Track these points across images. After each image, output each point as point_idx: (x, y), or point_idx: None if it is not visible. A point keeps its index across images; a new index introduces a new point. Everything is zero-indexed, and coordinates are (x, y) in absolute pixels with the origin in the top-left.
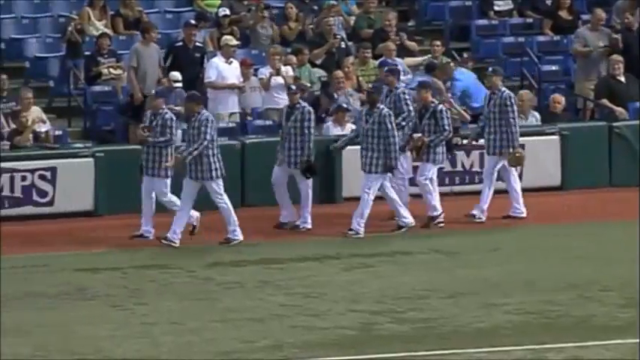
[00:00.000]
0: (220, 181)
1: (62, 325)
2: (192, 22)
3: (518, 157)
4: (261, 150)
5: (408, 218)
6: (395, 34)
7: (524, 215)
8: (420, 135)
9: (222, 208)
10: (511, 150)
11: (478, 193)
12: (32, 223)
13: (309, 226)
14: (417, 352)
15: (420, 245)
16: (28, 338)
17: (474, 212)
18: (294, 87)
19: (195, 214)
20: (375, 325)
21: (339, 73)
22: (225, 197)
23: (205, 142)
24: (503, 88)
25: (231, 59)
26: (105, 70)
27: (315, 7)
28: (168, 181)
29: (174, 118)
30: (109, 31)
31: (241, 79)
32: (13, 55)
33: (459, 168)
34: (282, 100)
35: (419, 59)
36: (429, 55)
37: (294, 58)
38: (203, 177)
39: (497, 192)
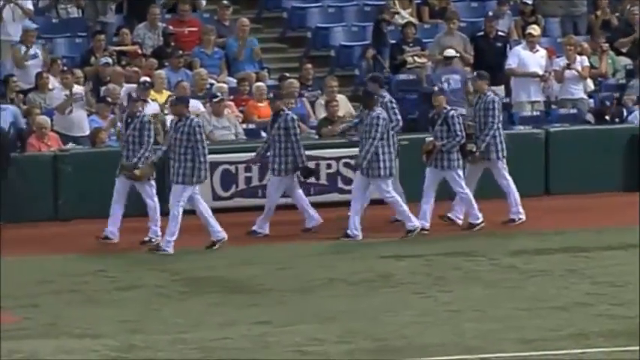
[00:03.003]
0: (197, 188)
1: (366, 312)
2: (491, 13)
3: (468, 151)
4: (564, 138)
5: (358, 231)
6: None
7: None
8: (431, 139)
9: (172, 215)
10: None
11: None
12: (336, 210)
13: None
14: None
15: None
16: (331, 324)
17: (512, 217)
18: (276, 94)
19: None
20: None
21: None
22: (181, 205)
23: (205, 150)
24: (489, 92)
25: (538, 48)
26: (409, 59)
27: None
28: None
29: (151, 120)
30: (414, 20)
31: (550, 68)
32: (319, 44)
33: None
34: (576, 90)
35: None
36: None
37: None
38: (187, 181)
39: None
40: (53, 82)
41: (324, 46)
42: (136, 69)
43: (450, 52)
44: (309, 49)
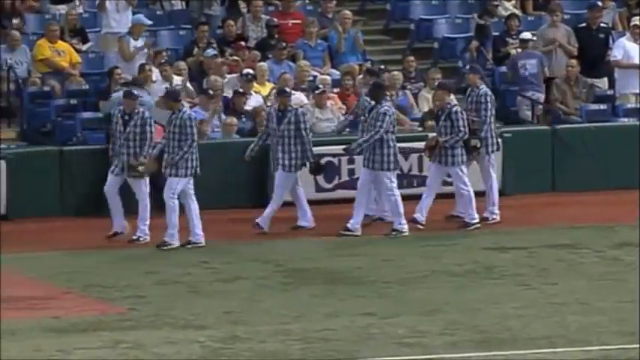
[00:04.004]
0: (191, 180)
1: (469, 304)
2: (599, 4)
3: (472, 147)
4: None
5: (359, 226)
6: None
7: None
8: (434, 135)
9: (168, 207)
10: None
11: None
12: (440, 202)
13: (313, 225)
14: None
15: None
16: (435, 316)
17: (486, 215)
18: (287, 89)
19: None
20: None
21: None
22: (175, 197)
23: (195, 144)
24: (482, 86)
25: None
26: (513, 51)
27: None
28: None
29: (152, 116)
30: (517, 12)
31: None
32: (422, 36)
33: None
34: None
35: None
36: None
37: None
38: (180, 174)
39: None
40: (156, 74)
41: (428, 38)
42: (236, 58)
43: (527, 35)
44: (412, 41)
